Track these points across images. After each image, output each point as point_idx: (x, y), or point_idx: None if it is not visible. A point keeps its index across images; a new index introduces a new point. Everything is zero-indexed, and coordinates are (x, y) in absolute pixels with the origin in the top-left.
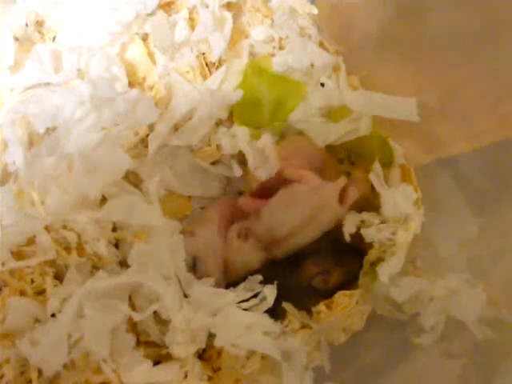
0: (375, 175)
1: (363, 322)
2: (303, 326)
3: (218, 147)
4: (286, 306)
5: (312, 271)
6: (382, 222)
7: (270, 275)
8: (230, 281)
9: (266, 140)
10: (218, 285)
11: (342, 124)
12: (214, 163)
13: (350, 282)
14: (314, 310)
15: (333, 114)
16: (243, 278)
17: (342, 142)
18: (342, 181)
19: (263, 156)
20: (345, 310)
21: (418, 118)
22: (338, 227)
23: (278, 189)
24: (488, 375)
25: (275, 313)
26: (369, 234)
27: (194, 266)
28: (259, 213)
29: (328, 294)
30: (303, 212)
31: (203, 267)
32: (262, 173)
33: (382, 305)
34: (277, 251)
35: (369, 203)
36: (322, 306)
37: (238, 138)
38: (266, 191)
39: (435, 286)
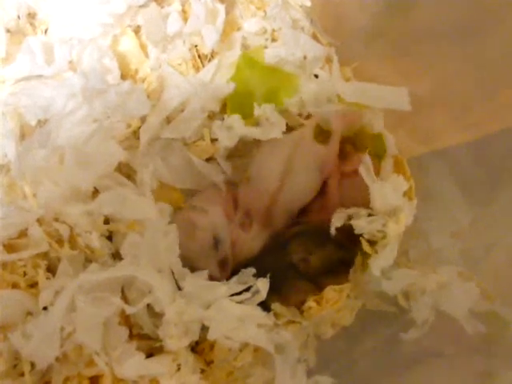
0: (365, 167)
1: (352, 316)
2: (293, 321)
3: (212, 142)
4: (275, 306)
5: (295, 249)
6: (371, 215)
7: (262, 263)
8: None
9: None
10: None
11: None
12: (207, 160)
13: (335, 274)
14: (303, 307)
15: None
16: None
17: None
18: (313, 120)
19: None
20: (335, 306)
21: (410, 107)
22: (326, 214)
23: None
24: (481, 368)
25: (266, 304)
26: (359, 226)
27: (216, 246)
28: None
29: (311, 279)
30: (282, 154)
31: (224, 246)
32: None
33: (372, 299)
34: (278, 212)
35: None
36: (312, 302)
37: (235, 125)
38: None
39: (427, 280)
